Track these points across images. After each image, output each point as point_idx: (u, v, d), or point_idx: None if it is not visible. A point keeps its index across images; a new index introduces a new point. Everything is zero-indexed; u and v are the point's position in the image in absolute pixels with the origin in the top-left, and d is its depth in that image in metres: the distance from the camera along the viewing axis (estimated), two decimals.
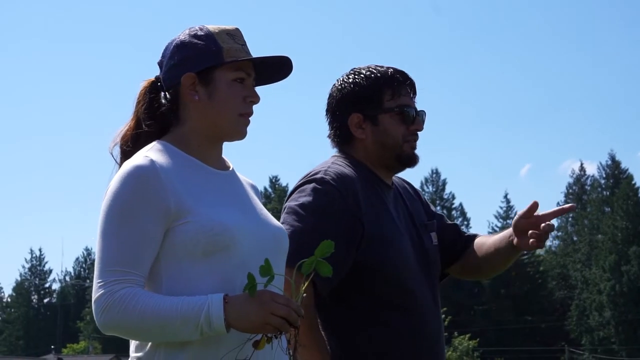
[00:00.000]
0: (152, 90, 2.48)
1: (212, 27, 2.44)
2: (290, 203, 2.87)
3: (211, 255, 2.26)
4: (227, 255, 2.27)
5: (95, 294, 2.21)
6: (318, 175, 2.88)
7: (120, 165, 2.43)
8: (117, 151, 2.49)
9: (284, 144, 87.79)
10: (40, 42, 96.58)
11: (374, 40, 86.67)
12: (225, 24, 2.48)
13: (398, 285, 2.85)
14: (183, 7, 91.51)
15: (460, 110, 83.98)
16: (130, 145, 2.46)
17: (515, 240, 2.97)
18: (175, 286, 2.25)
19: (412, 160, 3.02)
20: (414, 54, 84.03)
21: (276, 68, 2.49)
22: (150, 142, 2.42)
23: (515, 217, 2.98)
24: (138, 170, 2.27)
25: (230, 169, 2.50)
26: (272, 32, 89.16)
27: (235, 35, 2.43)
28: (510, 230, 3.02)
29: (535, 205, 2.92)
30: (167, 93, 2.44)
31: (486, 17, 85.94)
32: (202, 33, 2.42)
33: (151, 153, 2.34)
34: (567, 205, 2.96)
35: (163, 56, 2.47)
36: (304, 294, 2.26)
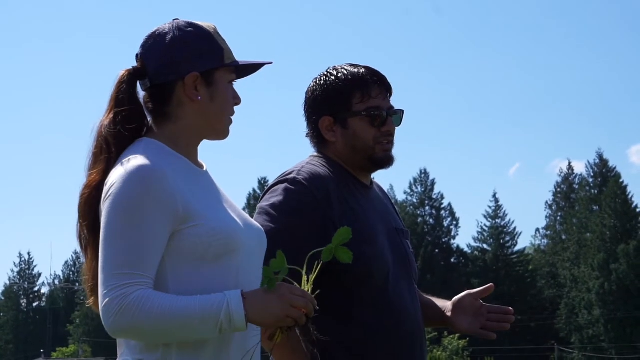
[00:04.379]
0: (129, 81, 2.38)
1: (205, 24, 2.41)
2: (262, 203, 2.85)
3: (220, 258, 2.26)
4: (232, 257, 2.28)
5: (106, 297, 2.15)
6: (290, 176, 2.86)
7: None
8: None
9: (273, 146, 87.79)
10: (29, 45, 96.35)
11: (371, 40, 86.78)
12: (214, 21, 2.45)
13: (371, 283, 2.83)
14: (162, 5, 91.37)
15: (449, 109, 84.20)
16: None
17: (451, 317, 3.05)
18: (183, 288, 2.22)
19: (384, 162, 2.99)
20: (408, 54, 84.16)
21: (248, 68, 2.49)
22: (126, 135, 2.34)
23: (463, 295, 3.07)
24: (144, 171, 2.21)
25: (205, 168, 2.47)
26: (267, 32, 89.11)
27: (221, 35, 2.43)
28: (443, 303, 3.11)
29: (491, 288, 3.07)
30: (153, 86, 2.37)
31: (479, 19, 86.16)
32: (199, 31, 2.38)
33: (149, 152, 2.28)
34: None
35: (147, 49, 2.38)
36: (312, 286, 2.28)
